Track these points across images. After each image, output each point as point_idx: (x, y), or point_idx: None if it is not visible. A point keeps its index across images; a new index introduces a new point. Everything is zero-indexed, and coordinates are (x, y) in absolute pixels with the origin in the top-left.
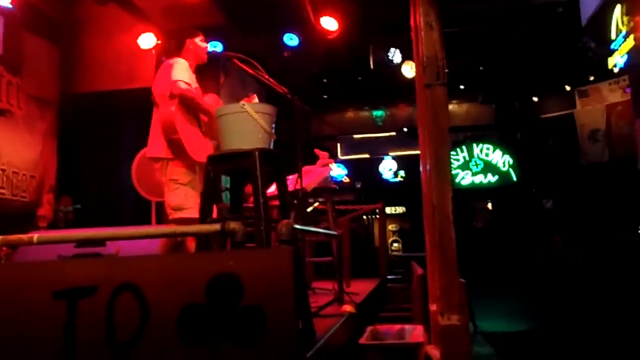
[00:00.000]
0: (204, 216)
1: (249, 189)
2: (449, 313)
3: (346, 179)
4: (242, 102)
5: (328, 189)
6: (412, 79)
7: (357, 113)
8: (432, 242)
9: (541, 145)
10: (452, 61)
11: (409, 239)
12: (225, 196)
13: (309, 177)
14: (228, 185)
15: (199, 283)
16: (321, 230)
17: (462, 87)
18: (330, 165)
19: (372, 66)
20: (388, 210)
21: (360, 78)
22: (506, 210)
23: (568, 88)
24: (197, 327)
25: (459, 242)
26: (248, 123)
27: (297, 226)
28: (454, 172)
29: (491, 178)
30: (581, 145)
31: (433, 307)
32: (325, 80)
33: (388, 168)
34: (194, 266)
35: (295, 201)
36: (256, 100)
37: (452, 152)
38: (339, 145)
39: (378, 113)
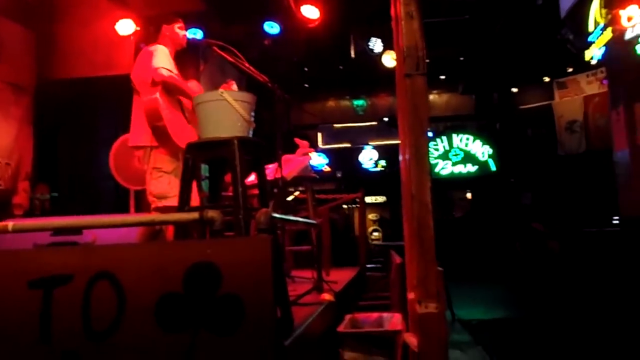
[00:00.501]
0: (182, 204)
1: (229, 177)
2: (426, 301)
3: (326, 168)
4: (220, 89)
5: (308, 178)
6: (393, 69)
7: (338, 102)
8: (411, 231)
9: (520, 136)
10: (433, 51)
11: (388, 228)
12: (206, 185)
13: (288, 166)
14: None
15: (176, 272)
16: (300, 219)
17: (442, 77)
18: (310, 154)
19: (353, 55)
20: (368, 199)
21: (341, 67)
22: (485, 200)
23: (547, 79)
24: (174, 316)
25: (438, 232)
26: (227, 111)
27: (276, 215)
28: (434, 161)
29: (470, 168)
30: (559, 136)
31: (411, 295)
32: (306, 69)
33: (368, 157)
34: (172, 255)
35: (275, 190)
36: (235, 87)
37: (432, 142)
38: (319, 134)
39: (359, 102)
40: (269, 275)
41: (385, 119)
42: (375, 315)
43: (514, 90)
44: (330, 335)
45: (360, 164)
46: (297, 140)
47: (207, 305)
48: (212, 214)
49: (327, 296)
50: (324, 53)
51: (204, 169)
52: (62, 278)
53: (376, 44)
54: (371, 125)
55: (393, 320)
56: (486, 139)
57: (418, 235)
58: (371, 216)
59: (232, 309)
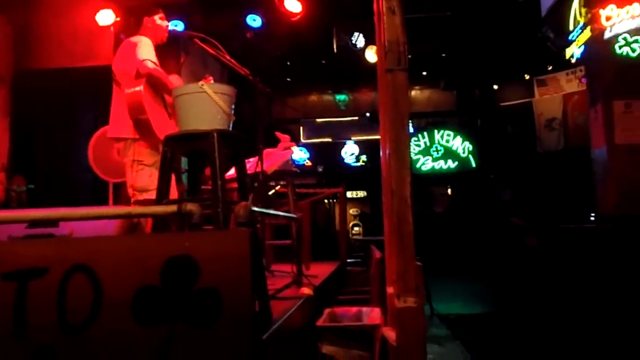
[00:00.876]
0: (161, 197)
1: (209, 171)
2: (405, 295)
3: (308, 163)
4: (201, 82)
5: (289, 172)
6: (376, 64)
7: (320, 97)
8: (391, 226)
9: (500, 133)
10: (415, 47)
11: (369, 223)
12: (186, 178)
13: (269, 160)
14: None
15: (154, 265)
16: (280, 213)
17: (424, 73)
18: (291, 148)
19: (335, 50)
20: (350, 194)
21: (323, 62)
22: (465, 196)
23: (527, 77)
24: (152, 309)
25: (418, 227)
26: (207, 104)
27: (256, 209)
28: (415, 157)
29: (451, 164)
30: (538, 133)
31: (390, 290)
32: (288, 63)
33: (350, 152)
34: (149, 248)
35: (255, 184)
36: (212, 81)
37: (414, 138)
38: (301, 128)
39: (341, 97)
40: (247, 268)
41: (367, 114)
42: (354, 309)
43: (495, 87)
44: (309, 329)
45: (342, 158)
46: (278, 134)
47: (185, 298)
48: (190, 207)
49: (306, 290)
50: (307, 47)
51: (184, 162)
52: (37, 271)
53: (359, 39)
54: (353, 120)
55: (372, 315)
56: (467, 136)
57: (398, 230)
58: (352, 211)
59: (210, 303)
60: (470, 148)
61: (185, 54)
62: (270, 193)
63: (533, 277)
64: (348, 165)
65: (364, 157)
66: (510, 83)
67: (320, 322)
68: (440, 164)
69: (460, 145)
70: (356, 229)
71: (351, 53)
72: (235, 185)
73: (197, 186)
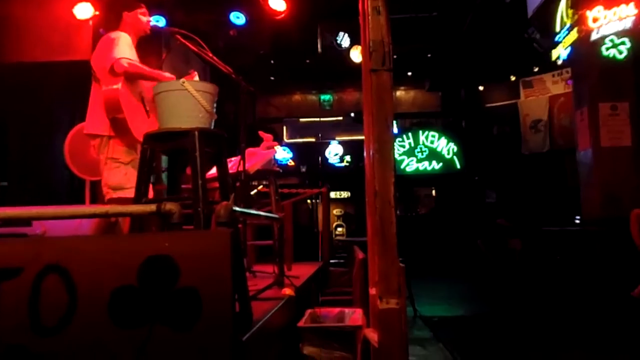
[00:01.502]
0: (139, 196)
1: (190, 170)
2: (387, 297)
3: (291, 163)
4: (182, 79)
5: (271, 172)
6: (360, 64)
7: (305, 96)
8: (374, 227)
9: (485, 134)
10: (400, 47)
11: (353, 224)
12: (166, 177)
13: (252, 159)
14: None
15: (131, 265)
16: (262, 213)
17: (409, 73)
18: (274, 148)
19: (320, 50)
20: (333, 194)
21: (308, 61)
22: (449, 197)
23: (513, 78)
24: (129, 311)
25: (402, 228)
26: (188, 101)
27: (237, 209)
28: (399, 158)
29: (435, 165)
30: (523, 135)
31: (372, 291)
32: (272, 62)
33: (334, 153)
34: (126, 248)
35: (237, 183)
36: (197, 78)
37: (399, 139)
38: (284, 128)
39: (326, 97)
40: (227, 269)
41: (352, 114)
42: (336, 310)
43: (481, 88)
44: (290, 330)
45: (325, 159)
46: (261, 133)
47: (164, 299)
48: (170, 206)
49: (287, 291)
50: (291, 46)
51: (164, 161)
52: (9, 271)
53: (344, 39)
54: (337, 120)
55: (354, 316)
56: (451, 137)
57: (381, 231)
58: (335, 211)
59: (189, 304)
60: (455, 149)
61: (167, 51)
62: (252, 193)
63: (517, 279)
64: (332, 165)
65: (348, 158)
66: (496, 84)
67: (301, 323)
68: (425, 165)
69: (445, 146)
70: (339, 229)
71: (336, 53)
72: (216, 184)
73: (177, 185)
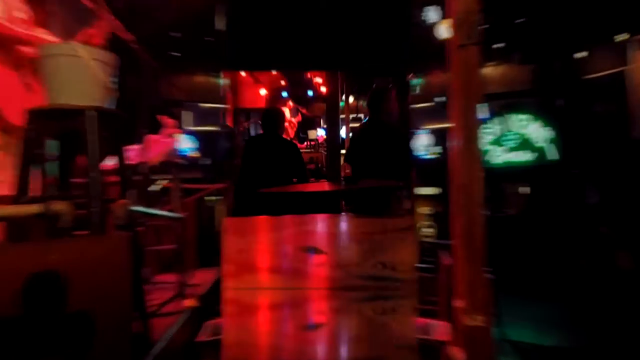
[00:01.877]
0: (20, 193)
1: (83, 160)
2: (472, 312)
3: (196, 154)
4: (74, 42)
5: (174, 164)
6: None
7: (208, 79)
8: (459, 229)
9: (584, 115)
10: (487, 16)
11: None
12: (57, 167)
13: (154, 149)
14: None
15: (10, 287)
16: (163, 213)
17: (497, 46)
18: (176, 135)
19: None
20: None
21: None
22: (543, 196)
23: (620, 38)
24: (10, 346)
25: (489, 231)
26: (82, 72)
27: (136, 208)
28: (487, 148)
29: (527, 155)
30: (634, 113)
31: (457, 303)
32: (176, 35)
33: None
34: (3, 265)
35: (137, 177)
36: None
37: (486, 125)
38: (183, 113)
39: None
40: (126, 284)
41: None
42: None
43: (579, 55)
44: (191, 346)
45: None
46: (163, 118)
47: (51, 327)
48: (59, 206)
49: (189, 302)
50: (199, 19)
51: (53, 146)
52: None
53: None
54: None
55: (439, 329)
56: (546, 120)
57: (466, 234)
58: (422, 209)
59: (82, 329)
60: (550, 135)
61: (55, 4)
62: (156, 188)
63: (626, 305)
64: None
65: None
66: (598, 48)
67: (202, 338)
68: (515, 156)
69: (537, 132)
70: (429, 230)
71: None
72: (113, 178)
73: (66, 179)
